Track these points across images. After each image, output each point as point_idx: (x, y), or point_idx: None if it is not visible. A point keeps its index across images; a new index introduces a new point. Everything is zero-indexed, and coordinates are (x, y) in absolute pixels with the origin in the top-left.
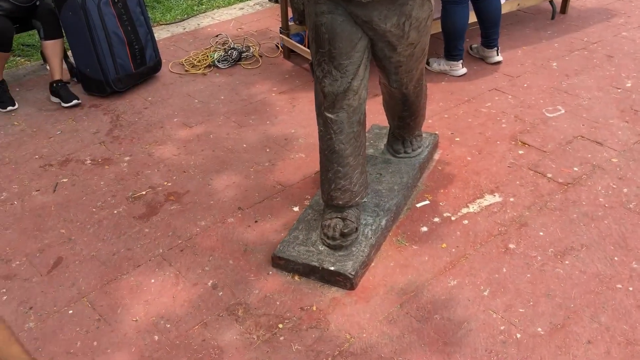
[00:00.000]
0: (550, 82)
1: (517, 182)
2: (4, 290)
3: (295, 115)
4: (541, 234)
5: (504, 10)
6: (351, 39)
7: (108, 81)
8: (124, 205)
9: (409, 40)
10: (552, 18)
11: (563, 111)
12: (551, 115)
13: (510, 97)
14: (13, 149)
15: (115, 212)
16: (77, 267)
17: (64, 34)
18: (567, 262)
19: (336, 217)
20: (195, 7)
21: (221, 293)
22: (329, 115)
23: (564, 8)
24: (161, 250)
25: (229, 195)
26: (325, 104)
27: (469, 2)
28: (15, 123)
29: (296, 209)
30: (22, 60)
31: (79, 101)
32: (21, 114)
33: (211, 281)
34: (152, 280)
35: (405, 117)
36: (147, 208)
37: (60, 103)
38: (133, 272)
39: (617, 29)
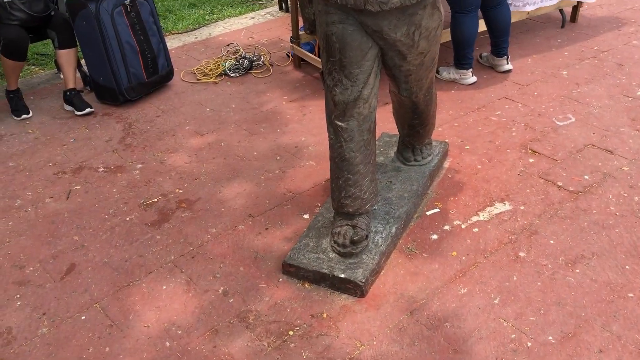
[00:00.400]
0: (561, 91)
1: (528, 191)
2: (18, 296)
3: (306, 123)
4: (552, 242)
5: (513, 19)
6: (362, 48)
7: (121, 90)
8: (136, 212)
9: (419, 49)
10: (562, 27)
11: (573, 119)
12: (561, 123)
13: (520, 105)
14: (27, 157)
15: (128, 219)
16: (89, 273)
17: (78, 43)
18: (578, 270)
19: (346, 225)
20: (206, 17)
21: (232, 300)
22: (340, 123)
23: (574, 17)
24: (173, 257)
25: (239, 202)
26: (336, 113)
27: (479, 11)
28: (30, 131)
29: (306, 216)
30: (36, 69)
31: (92, 109)
32: (35, 122)
33: (222, 288)
34: (164, 287)
35: (415, 126)
36: (159, 215)
37: (73, 111)
38: (145, 278)
39: (627, 37)
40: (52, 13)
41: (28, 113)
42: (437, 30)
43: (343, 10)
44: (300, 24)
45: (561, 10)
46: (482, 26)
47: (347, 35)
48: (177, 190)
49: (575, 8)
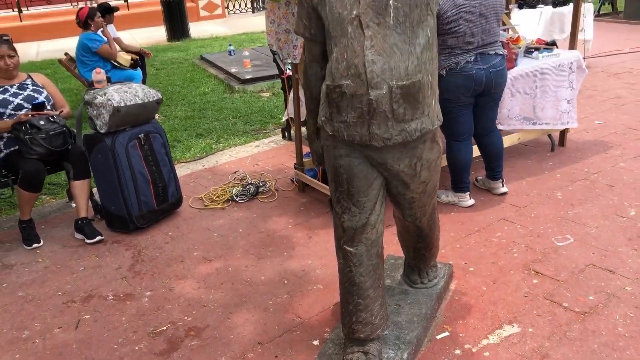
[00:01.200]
0: (557, 212)
1: (534, 312)
2: None
3: (312, 246)
4: None
5: (505, 144)
6: (367, 178)
7: (132, 218)
8: (145, 341)
9: (421, 179)
10: (552, 150)
11: (572, 240)
12: (561, 244)
13: (519, 226)
14: (37, 286)
15: (137, 348)
16: None
17: (92, 174)
18: None
19: (358, 351)
20: (213, 146)
21: None
22: (349, 248)
23: (562, 141)
24: None
25: (248, 329)
26: (345, 238)
27: (472, 138)
28: (40, 260)
29: (316, 342)
30: (48, 198)
31: (102, 237)
32: (46, 251)
33: None
34: None
35: (420, 249)
36: (167, 344)
37: (84, 239)
38: None
39: (614, 159)
40: (69, 147)
41: (39, 242)
42: (437, 161)
43: (350, 145)
44: (304, 150)
45: (550, 135)
46: (476, 151)
47: (354, 167)
48: (186, 317)
49: (563, 133)
